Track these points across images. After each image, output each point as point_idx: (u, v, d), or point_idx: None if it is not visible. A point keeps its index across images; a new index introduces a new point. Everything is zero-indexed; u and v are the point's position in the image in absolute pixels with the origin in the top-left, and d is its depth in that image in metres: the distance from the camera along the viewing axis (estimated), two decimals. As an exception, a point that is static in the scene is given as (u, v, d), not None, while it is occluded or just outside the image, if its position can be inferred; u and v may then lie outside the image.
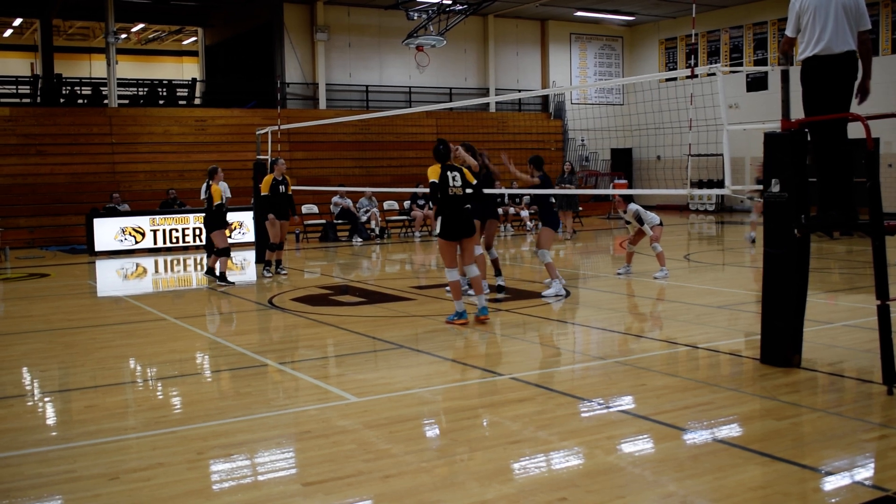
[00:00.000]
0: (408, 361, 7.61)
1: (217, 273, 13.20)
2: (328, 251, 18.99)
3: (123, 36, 32.40)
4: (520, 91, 28.98)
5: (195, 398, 6.55)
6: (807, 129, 6.93)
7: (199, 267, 16.59)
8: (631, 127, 30.03)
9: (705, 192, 10.84)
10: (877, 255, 6.20)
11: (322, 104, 26.93)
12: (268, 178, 13.93)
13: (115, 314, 10.90)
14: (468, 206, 9.24)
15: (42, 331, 9.57)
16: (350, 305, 11.04)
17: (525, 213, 23.07)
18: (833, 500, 4.35)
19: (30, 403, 6.61)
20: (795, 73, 6.98)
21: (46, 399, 6.73)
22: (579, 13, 29.79)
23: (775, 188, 6.87)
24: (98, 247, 18.38)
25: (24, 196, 21.32)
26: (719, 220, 25.54)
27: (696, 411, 5.80)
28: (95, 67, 34.30)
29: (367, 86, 27.92)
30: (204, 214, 13.45)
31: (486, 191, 10.95)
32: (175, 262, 17.51)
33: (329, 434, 5.45)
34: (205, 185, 13.26)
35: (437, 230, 9.12)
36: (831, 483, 4.53)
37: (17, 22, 33.05)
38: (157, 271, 16.18)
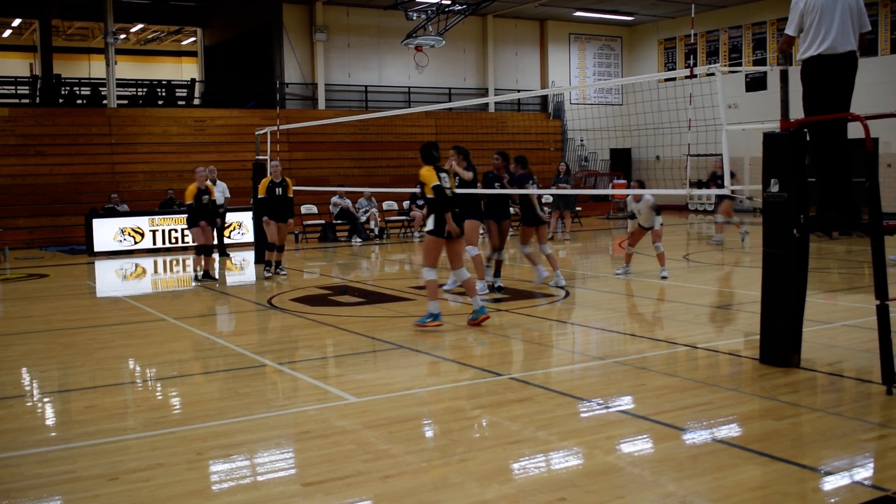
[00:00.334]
0: (407, 362, 7.61)
1: (207, 271, 13.56)
2: (327, 251, 18.99)
3: (122, 36, 32.41)
4: (519, 91, 28.98)
5: (194, 399, 6.55)
6: (806, 129, 6.93)
7: (198, 267, 16.58)
8: (630, 127, 30.03)
9: (704, 192, 10.87)
10: (876, 255, 6.20)
11: (321, 104, 26.93)
12: (264, 181, 13.87)
13: (114, 315, 10.89)
14: (457, 209, 9.19)
15: (41, 331, 9.57)
16: (349, 306, 11.04)
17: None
18: (832, 500, 4.35)
19: (29, 404, 6.61)
20: (794, 73, 6.98)
21: (46, 399, 6.73)
22: (578, 13, 29.80)
23: (774, 188, 6.87)
24: (97, 247, 18.39)
25: (24, 196, 21.32)
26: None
27: (695, 411, 5.80)
28: (94, 68, 34.30)
29: (366, 86, 27.92)
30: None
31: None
32: (174, 262, 17.50)
33: (328, 434, 5.45)
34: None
35: (428, 227, 9.02)
36: (831, 483, 4.53)
37: (17, 22, 33.05)
38: (156, 272, 16.17)
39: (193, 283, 13.54)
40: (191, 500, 4.42)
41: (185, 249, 19.21)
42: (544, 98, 31.04)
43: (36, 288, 13.39)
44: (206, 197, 13.57)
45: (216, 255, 13.95)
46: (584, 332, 9.03)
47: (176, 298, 12.74)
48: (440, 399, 6.32)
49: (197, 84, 30.00)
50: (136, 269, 16.27)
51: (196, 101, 28.66)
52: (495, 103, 30.11)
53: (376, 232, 21.71)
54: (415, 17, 24.59)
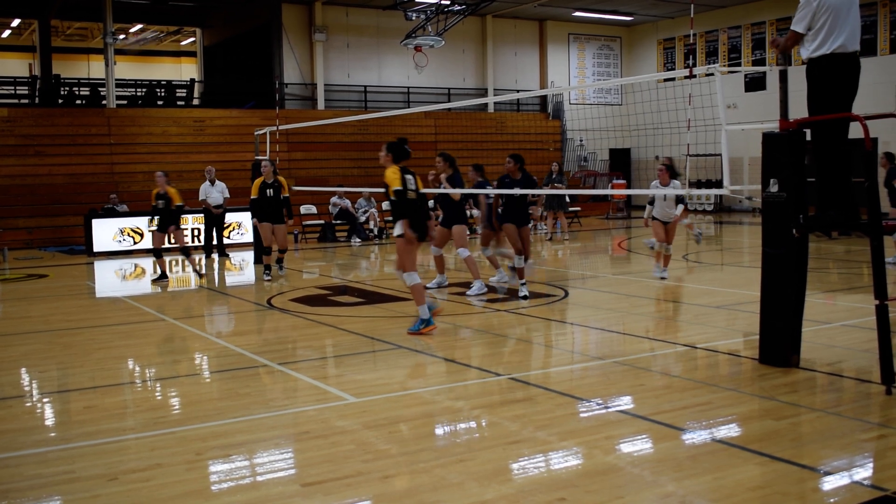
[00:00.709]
0: (407, 362, 7.61)
1: (195, 268, 13.81)
2: (327, 251, 18.99)
3: (122, 37, 32.42)
4: (518, 91, 28.99)
5: (194, 399, 6.55)
6: (808, 129, 6.90)
7: (197, 267, 16.58)
8: (629, 127, 30.00)
9: (703, 192, 10.86)
10: (875, 255, 6.20)
11: (320, 104, 26.94)
12: (257, 182, 13.57)
13: (113, 315, 10.89)
14: (422, 211, 8.93)
15: (41, 331, 9.56)
16: (349, 306, 11.04)
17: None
18: (832, 500, 4.35)
19: (28, 404, 6.61)
20: (793, 72, 6.97)
21: (45, 400, 6.72)
22: (577, 13, 29.81)
23: (773, 188, 6.87)
24: (96, 247, 18.38)
25: (23, 197, 21.31)
26: (718, 220, 25.56)
27: (694, 411, 5.80)
28: (94, 68, 34.29)
29: (365, 86, 27.93)
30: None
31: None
32: (174, 262, 17.49)
33: (328, 434, 5.45)
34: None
35: (397, 232, 8.77)
36: (830, 483, 4.53)
37: (16, 22, 33.06)
38: (155, 272, 16.15)
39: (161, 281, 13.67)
40: (190, 500, 4.42)
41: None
42: (543, 98, 31.05)
43: (35, 288, 13.39)
44: (162, 202, 13.50)
45: (166, 258, 13.92)
46: (584, 332, 9.03)
47: (175, 299, 12.74)
48: (440, 399, 6.31)
49: (196, 84, 30.00)
50: (135, 270, 16.27)
51: (195, 102, 28.66)
52: (494, 103, 30.12)
53: (375, 232, 21.71)
54: (414, 18, 24.60)
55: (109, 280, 15.11)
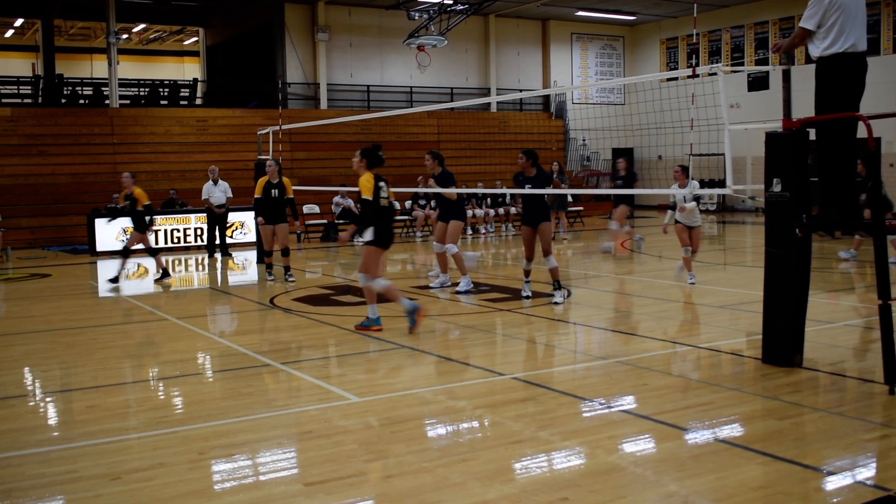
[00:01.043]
0: (409, 361, 7.61)
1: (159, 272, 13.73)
2: (329, 251, 18.99)
3: (125, 36, 32.44)
4: (521, 91, 28.98)
5: (196, 398, 6.56)
6: (813, 128, 6.87)
7: (200, 267, 16.61)
8: (632, 127, 30.01)
9: (707, 191, 10.84)
10: (878, 255, 6.19)
11: (323, 104, 26.94)
12: (261, 181, 13.41)
13: (116, 314, 10.90)
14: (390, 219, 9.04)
15: (43, 331, 9.57)
16: (351, 305, 11.04)
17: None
18: (835, 500, 4.35)
19: (31, 404, 6.62)
20: (797, 72, 6.96)
21: (48, 399, 6.73)
22: (580, 13, 29.79)
23: (777, 188, 6.86)
24: (99, 247, 18.40)
25: (26, 196, 21.34)
26: (721, 220, 25.53)
27: (697, 411, 5.80)
28: (97, 68, 34.32)
29: (368, 86, 27.93)
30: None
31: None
32: (176, 262, 17.51)
33: (330, 434, 5.45)
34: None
35: (367, 237, 8.86)
36: (833, 483, 4.52)
37: (19, 22, 33.09)
38: (158, 271, 16.17)
39: (109, 285, 13.48)
40: (193, 499, 4.42)
41: (187, 249, 19.23)
42: (546, 98, 31.04)
43: (38, 288, 13.40)
44: (128, 203, 13.46)
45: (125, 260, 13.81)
46: (586, 332, 9.03)
47: (178, 298, 12.75)
48: (442, 399, 6.31)
49: (199, 84, 30.03)
50: (138, 269, 16.28)
51: (198, 101, 28.68)
52: (497, 103, 30.11)
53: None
54: (417, 17, 24.59)
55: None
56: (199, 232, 19.30)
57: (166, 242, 19.13)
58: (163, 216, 19.30)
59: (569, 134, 30.24)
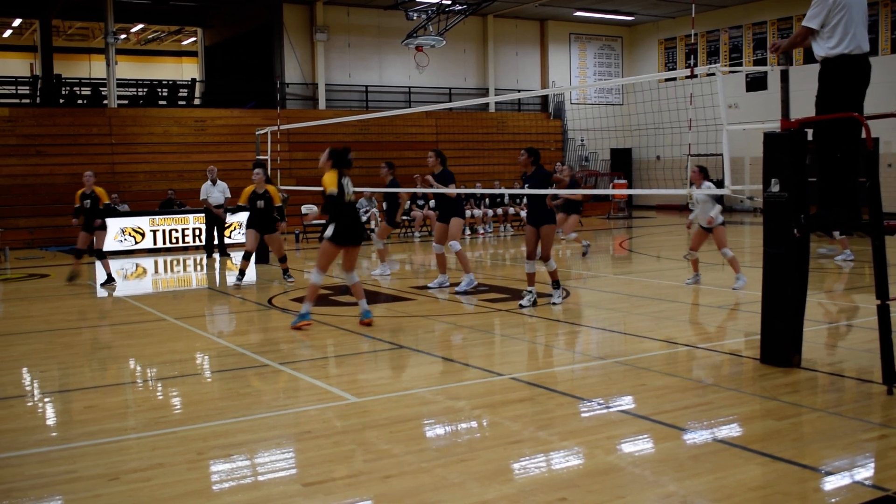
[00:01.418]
0: (408, 362, 7.62)
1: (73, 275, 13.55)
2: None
3: (123, 36, 32.41)
4: (519, 91, 29.00)
5: (195, 398, 6.55)
6: (818, 129, 6.86)
7: (198, 267, 16.60)
8: (630, 127, 30.04)
9: (705, 192, 10.84)
10: (877, 255, 6.20)
11: (322, 104, 26.94)
12: (247, 190, 12.96)
13: (114, 315, 10.90)
14: (350, 216, 9.18)
15: (42, 331, 9.57)
16: (350, 305, 11.02)
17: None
18: (833, 500, 4.35)
19: (30, 404, 6.61)
20: (795, 72, 6.96)
21: (47, 399, 6.73)
22: (579, 13, 29.81)
23: (775, 188, 6.87)
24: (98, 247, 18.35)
25: (24, 196, 21.33)
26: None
27: (696, 411, 5.80)
28: (95, 68, 34.30)
29: (366, 86, 27.93)
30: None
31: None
32: (175, 262, 17.51)
33: (329, 434, 5.45)
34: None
35: (327, 234, 8.94)
36: (831, 483, 4.53)
37: (17, 22, 33.07)
38: (156, 272, 16.18)
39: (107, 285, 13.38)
40: (191, 499, 4.42)
41: (185, 249, 19.22)
42: (545, 98, 31.05)
43: (36, 288, 13.40)
44: (88, 202, 13.36)
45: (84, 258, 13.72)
46: (585, 332, 9.03)
47: (176, 298, 12.74)
48: (440, 399, 6.31)
49: (197, 84, 30.02)
50: (136, 269, 16.28)
51: (196, 101, 28.68)
52: (496, 103, 30.13)
53: (408, 230, 21.70)
54: (415, 17, 24.60)
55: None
56: (197, 232, 19.30)
57: (165, 243, 19.12)
58: (161, 216, 19.30)
59: (567, 134, 30.26)
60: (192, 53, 36.81)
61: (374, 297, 11.65)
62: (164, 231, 19.18)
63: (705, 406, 5.92)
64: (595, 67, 32.30)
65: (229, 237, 19.04)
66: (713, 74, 8.34)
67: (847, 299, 10.88)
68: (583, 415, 5.87)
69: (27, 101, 26.09)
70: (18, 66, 34.54)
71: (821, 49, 6.67)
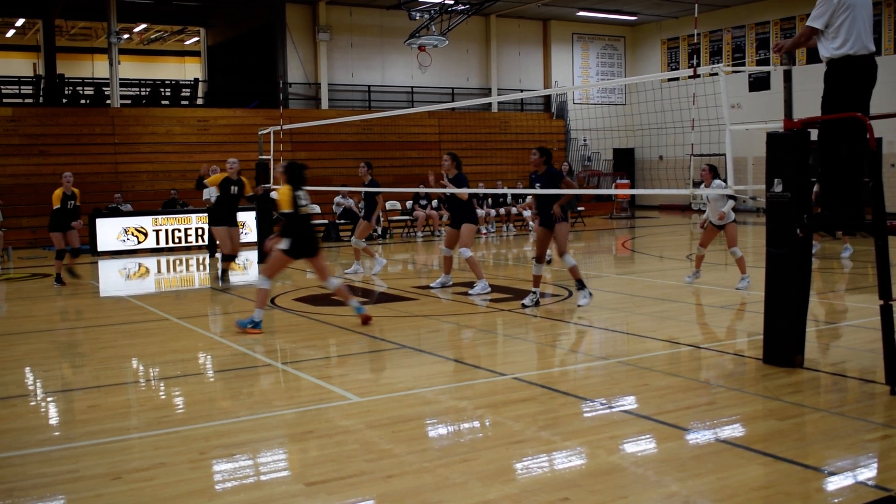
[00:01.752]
0: (410, 361, 7.61)
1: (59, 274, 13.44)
2: (330, 251, 18.99)
3: (126, 36, 32.45)
4: (522, 91, 28.97)
5: (197, 398, 6.56)
6: (811, 129, 6.86)
7: (201, 267, 16.61)
8: (633, 127, 30.01)
9: (707, 192, 10.83)
10: (879, 255, 6.19)
11: (324, 104, 26.95)
12: (218, 176, 13.05)
13: (117, 314, 10.90)
14: (307, 230, 9.19)
15: (44, 331, 9.58)
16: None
17: (527, 213, 23.05)
18: (836, 501, 4.35)
19: (32, 403, 6.62)
20: (798, 72, 6.95)
21: (49, 399, 6.73)
22: (581, 13, 29.79)
23: (778, 188, 6.86)
24: (101, 247, 18.40)
25: (27, 196, 21.33)
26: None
27: (698, 411, 5.80)
28: (98, 68, 34.35)
29: (369, 86, 27.93)
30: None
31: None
32: (178, 262, 17.52)
33: (331, 434, 5.45)
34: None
35: (282, 246, 8.98)
36: (834, 483, 4.52)
37: (20, 22, 33.10)
38: (159, 271, 16.19)
39: (55, 285, 13.28)
40: (193, 499, 4.42)
41: (188, 249, 19.24)
42: (547, 98, 31.04)
43: (39, 287, 13.41)
44: (72, 203, 13.34)
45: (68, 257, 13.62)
46: (587, 332, 9.02)
47: (179, 298, 12.75)
48: (443, 399, 6.31)
49: (200, 84, 30.04)
50: (139, 269, 16.29)
51: (199, 101, 28.69)
52: (498, 103, 30.11)
53: (379, 232, 21.71)
54: (418, 17, 24.60)
55: (113, 279, 15.13)
56: (199, 232, 19.31)
57: (167, 242, 19.14)
58: (164, 216, 19.32)
59: (570, 134, 30.24)
60: (195, 53, 36.83)
61: (376, 297, 11.65)
62: (166, 231, 19.20)
63: (708, 406, 5.91)
64: (598, 67, 32.27)
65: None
66: (716, 74, 8.33)
67: (849, 299, 10.86)
68: (585, 415, 5.87)
69: (30, 100, 26.12)
70: (21, 65, 34.59)
71: (826, 50, 6.63)
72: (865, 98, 6.63)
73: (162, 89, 28.54)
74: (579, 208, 25.25)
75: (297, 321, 9.89)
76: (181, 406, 6.38)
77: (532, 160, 10.33)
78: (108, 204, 20.37)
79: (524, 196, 22.68)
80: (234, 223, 13.01)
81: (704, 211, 11.95)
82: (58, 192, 13.34)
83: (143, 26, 34.28)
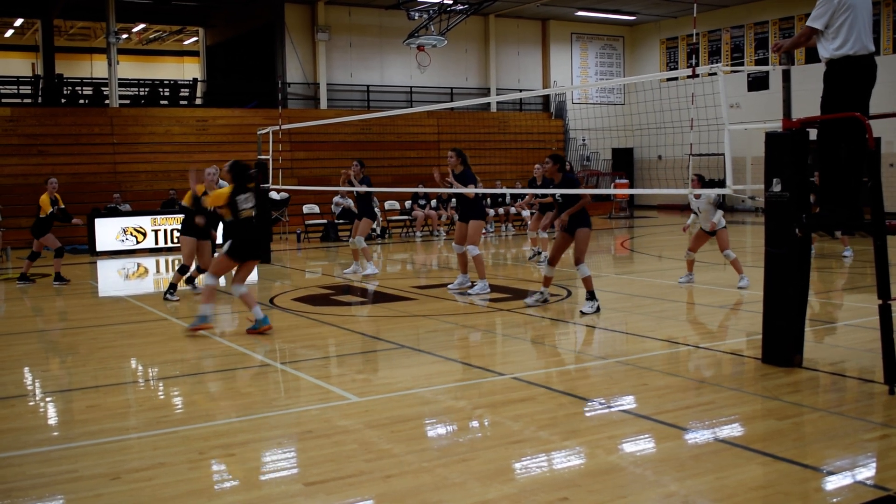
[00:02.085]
0: (409, 361, 7.61)
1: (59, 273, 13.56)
2: (329, 251, 18.99)
3: (124, 36, 32.43)
4: (521, 91, 28.99)
5: (196, 398, 6.56)
6: (810, 129, 6.87)
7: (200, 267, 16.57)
8: (632, 127, 30.03)
9: (706, 191, 10.83)
10: (878, 255, 6.20)
11: (323, 104, 26.95)
12: (196, 190, 11.73)
13: (116, 314, 10.89)
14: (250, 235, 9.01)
15: (43, 331, 9.58)
16: (351, 305, 11.04)
17: (526, 213, 23.05)
18: (835, 500, 4.35)
19: (31, 403, 6.62)
20: (797, 72, 6.95)
21: (48, 399, 6.73)
22: (580, 13, 29.79)
23: (776, 188, 6.86)
24: (99, 247, 18.41)
25: (26, 196, 21.28)
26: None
27: (697, 411, 5.80)
28: (97, 68, 34.32)
29: (368, 86, 27.93)
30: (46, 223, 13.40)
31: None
32: (176, 262, 17.49)
33: (330, 434, 5.45)
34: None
35: (225, 249, 8.88)
36: (833, 483, 4.53)
37: (19, 22, 33.08)
38: (158, 271, 16.18)
39: (55, 284, 13.44)
40: (193, 499, 4.42)
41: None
42: (546, 98, 31.04)
43: (38, 287, 13.40)
44: (56, 207, 13.43)
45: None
46: (586, 332, 9.03)
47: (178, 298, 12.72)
48: (442, 399, 6.31)
49: (199, 84, 30.03)
50: (138, 269, 16.29)
51: (198, 101, 28.68)
52: (497, 103, 30.12)
53: (378, 231, 21.71)
54: (417, 17, 24.59)
55: (112, 279, 15.13)
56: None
57: (166, 242, 19.12)
58: (163, 216, 19.31)
59: (568, 134, 30.24)
60: (194, 53, 36.82)
61: (375, 297, 11.65)
62: (165, 231, 19.19)
63: (707, 406, 5.91)
64: (597, 67, 32.28)
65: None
66: (715, 74, 8.33)
67: (848, 299, 10.87)
68: (584, 414, 5.87)
69: (29, 100, 26.10)
70: (20, 65, 34.58)
71: (825, 50, 6.63)
72: (865, 98, 6.63)
73: (161, 89, 28.53)
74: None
75: (296, 321, 9.89)
76: (180, 406, 6.38)
77: (546, 169, 10.18)
78: (106, 204, 20.37)
79: (522, 195, 22.67)
80: (204, 235, 11.74)
81: (694, 212, 11.98)
82: (45, 198, 13.39)
83: (141, 26, 34.27)
